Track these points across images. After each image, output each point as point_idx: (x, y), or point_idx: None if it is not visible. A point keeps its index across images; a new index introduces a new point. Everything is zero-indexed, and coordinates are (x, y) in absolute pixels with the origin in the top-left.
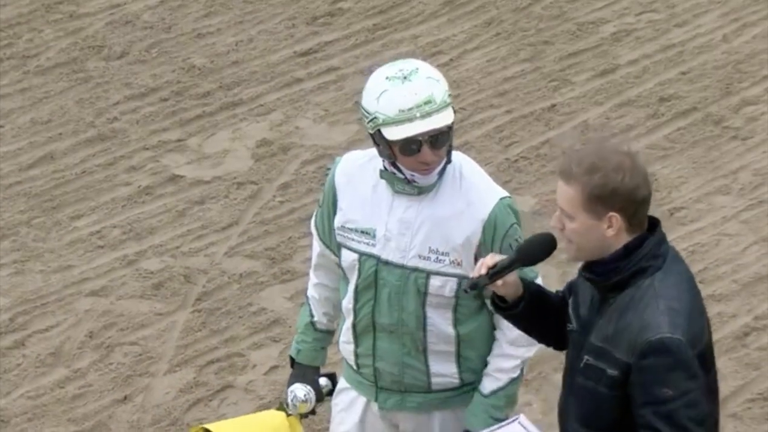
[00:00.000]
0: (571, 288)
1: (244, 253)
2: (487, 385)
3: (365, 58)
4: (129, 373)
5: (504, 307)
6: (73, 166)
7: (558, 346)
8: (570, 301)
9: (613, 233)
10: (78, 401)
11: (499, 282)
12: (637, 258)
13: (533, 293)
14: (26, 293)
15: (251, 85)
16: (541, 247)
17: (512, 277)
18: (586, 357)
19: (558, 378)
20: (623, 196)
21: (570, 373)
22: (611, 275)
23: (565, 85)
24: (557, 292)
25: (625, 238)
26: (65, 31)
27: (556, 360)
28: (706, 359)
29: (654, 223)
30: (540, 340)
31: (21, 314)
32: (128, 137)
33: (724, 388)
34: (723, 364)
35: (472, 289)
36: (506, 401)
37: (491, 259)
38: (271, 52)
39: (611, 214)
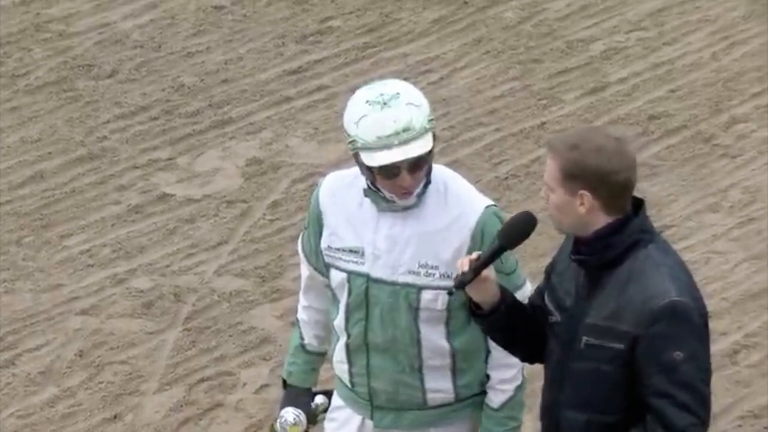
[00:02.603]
0: (543, 290)
1: (234, 272)
2: (496, 399)
3: (355, 76)
4: (119, 391)
5: (482, 314)
6: (62, 185)
7: (530, 357)
8: (546, 297)
9: (584, 211)
10: (68, 420)
11: (485, 273)
12: (629, 232)
13: (511, 299)
14: (16, 312)
15: (241, 104)
16: (522, 227)
17: (492, 277)
18: (585, 338)
19: None
20: (595, 177)
21: (560, 362)
22: (605, 252)
23: (555, 103)
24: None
25: (602, 218)
26: (55, 50)
27: None
28: (706, 325)
29: (638, 204)
30: (513, 350)
31: (10, 333)
32: (118, 156)
33: (715, 405)
34: (713, 381)
35: (458, 287)
36: (519, 409)
37: (473, 254)
38: (261, 71)
39: (582, 192)
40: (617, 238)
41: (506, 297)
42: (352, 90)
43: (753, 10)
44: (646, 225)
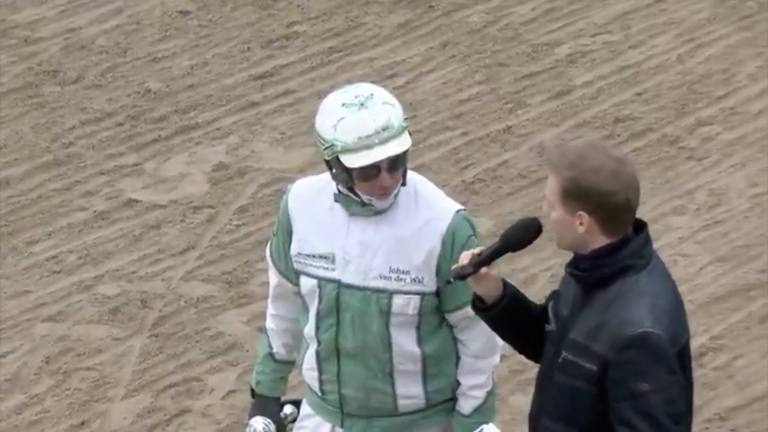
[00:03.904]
0: (553, 294)
1: (201, 278)
2: (467, 405)
3: (321, 81)
4: (86, 398)
5: (484, 308)
6: (28, 192)
7: (535, 356)
8: (551, 304)
9: (583, 231)
10: (35, 427)
11: (483, 270)
12: (622, 256)
13: (513, 295)
14: None
15: (207, 109)
16: (526, 232)
17: (493, 273)
18: (564, 353)
19: (515, 400)
20: (595, 198)
21: (546, 371)
22: (597, 270)
23: (521, 106)
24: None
25: (601, 238)
26: (20, 56)
27: (513, 382)
28: (684, 358)
29: (641, 225)
30: (518, 347)
31: None
32: (84, 162)
33: None
34: None
35: (458, 278)
36: (489, 414)
37: (476, 249)
38: (227, 76)
39: (580, 212)
40: (611, 260)
41: (509, 293)
42: (319, 94)
43: (718, 13)
44: (643, 250)
